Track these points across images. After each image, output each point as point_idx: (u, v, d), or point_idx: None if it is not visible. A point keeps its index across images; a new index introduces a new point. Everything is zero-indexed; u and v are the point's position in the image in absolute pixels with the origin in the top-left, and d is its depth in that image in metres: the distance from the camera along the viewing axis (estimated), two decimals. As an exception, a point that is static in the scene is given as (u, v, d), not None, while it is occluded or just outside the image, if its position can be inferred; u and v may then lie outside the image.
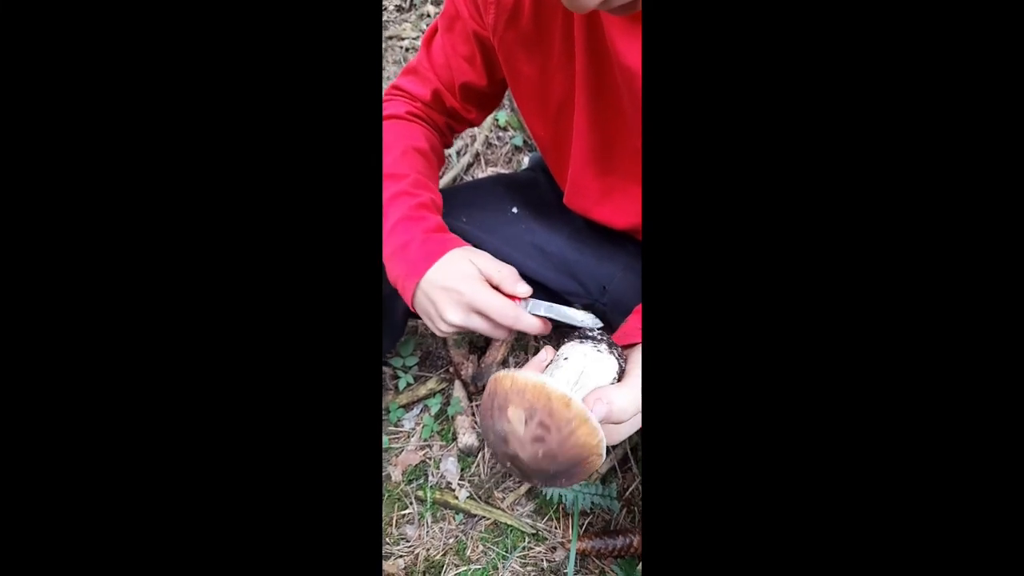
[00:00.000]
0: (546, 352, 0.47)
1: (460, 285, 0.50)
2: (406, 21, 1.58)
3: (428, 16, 1.59)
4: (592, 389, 0.37)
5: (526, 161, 1.22)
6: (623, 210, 0.63)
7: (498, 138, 1.28)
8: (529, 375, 0.35)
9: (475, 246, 0.57)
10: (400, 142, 0.61)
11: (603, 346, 0.42)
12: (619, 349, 0.43)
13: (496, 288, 0.51)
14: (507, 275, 0.52)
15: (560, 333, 0.54)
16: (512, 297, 0.51)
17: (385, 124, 0.64)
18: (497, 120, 1.27)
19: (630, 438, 0.83)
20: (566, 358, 0.41)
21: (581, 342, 0.42)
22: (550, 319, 0.51)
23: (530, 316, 0.50)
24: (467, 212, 0.70)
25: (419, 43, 1.52)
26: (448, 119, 0.68)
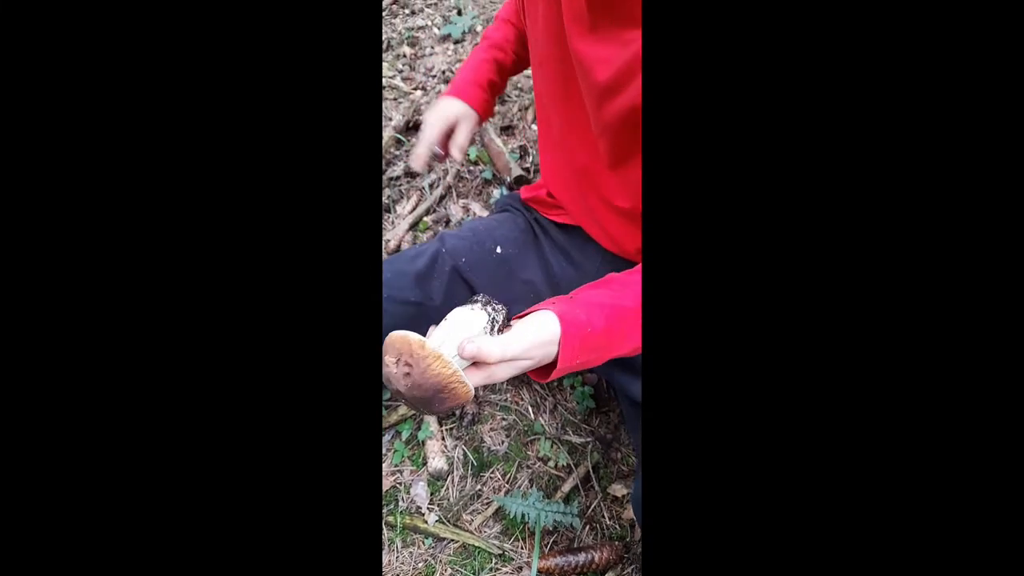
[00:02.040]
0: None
1: (436, 111, 0.78)
2: (383, 61, 1.66)
3: (404, 56, 1.67)
4: (463, 337, 0.46)
5: (495, 194, 1.28)
6: (577, 188, 0.69)
7: (469, 171, 1.34)
8: (398, 338, 0.45)
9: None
10: (497, 18, 0.86)
11: (477, 306, 0.49)
12: (495, 306, 0.50)
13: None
14: (456, 141, 0.77)
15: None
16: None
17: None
18: (468, 155, 1.33)
19: (591, 455, 0.86)
20: (447, 319, 0.49)
21: (471, 309, 0.49)
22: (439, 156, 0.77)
23: (419, 150, 0.76)
24: (464, 255, 0.76)
25: (394, 81, 1.59)
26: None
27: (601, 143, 0.59)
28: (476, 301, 0.50)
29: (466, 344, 0.45)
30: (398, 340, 0.45)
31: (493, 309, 0.49)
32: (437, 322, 0.56)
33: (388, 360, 0.46)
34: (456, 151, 0.76)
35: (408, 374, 0.44)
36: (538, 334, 0.46)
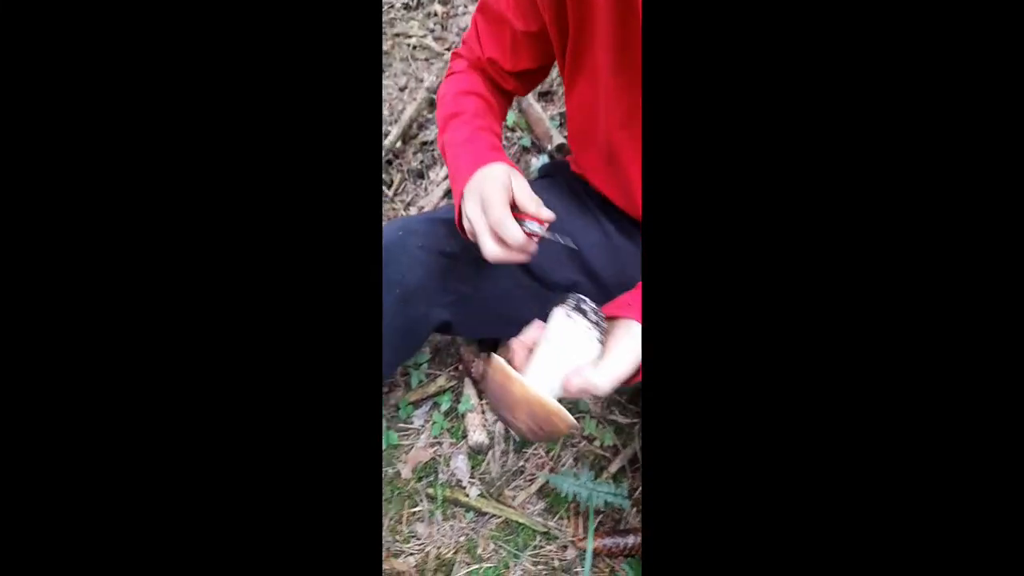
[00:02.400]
0: (536, 328, 0.48)
1: (486, 185, 0.53)
2: (413, 19, 1.58)
3: (435, 15, 1.59)
4: (573, 367, 0.45)
5: (533, 162, 1.22)
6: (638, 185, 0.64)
7: (507, 139, 1.28)
8: (517, 385, 0.43)
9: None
10: (455, 88, 0.67)
11: (577, 315, 0.46)
12: (590, 306, 0.46)
13: (513, 205, 0.53)
14: (527, 198, 0.52)
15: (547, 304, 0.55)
16: (526, 217, 0.52)
17: (445, 80, 0.71)
18: (505, 122, 1.27)
19: (638, 437, 0.84)
20: (549, 340, 0.46)
21: (568, 316, 0.46)
22: (535, 234, 0.52)
23: (515, 230, 0.50)
24: None
25: (426, 40, 1.52)
26: (497, 81, 0.71)
27: None
28: (574, 308, 0.46)
29: (573, 379, 0.44)
30: (523, 402, 0.43)
31: (595, 314, 0.46)
32: (469, 276, 0.53)
33: (508, 418, 0.45)
34: (542, 209, 0.54)
35: (503, 400, 0.44)
36: (636, 349, 0.45)
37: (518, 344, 0.49)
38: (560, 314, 0.46)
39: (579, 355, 0.45)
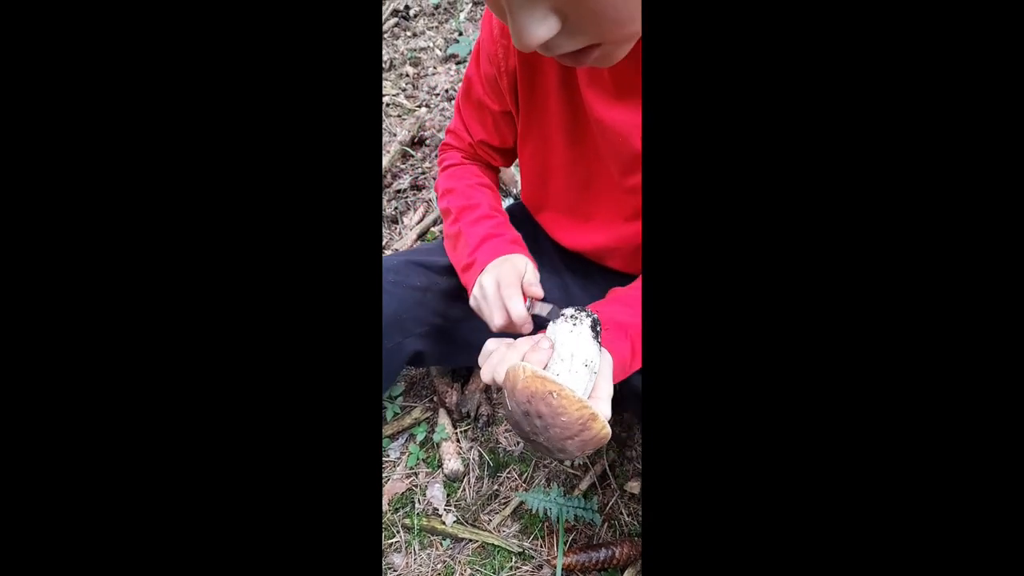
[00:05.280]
0: (545, 340, 0.51)
1: (504, 268, 0.62)
2: (386, 80, 1.71)
3: (407, 75, 1.72)
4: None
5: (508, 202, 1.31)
6: (601, 235, 0.71)
7: (475, 184, 1.37)
8: (560, 399, 0.43)
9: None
10: (465, 179, 0.75)
11: (579, 322, 0.48)
12: (584, 312, 0.49)
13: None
14: (530, 277, 0.61)
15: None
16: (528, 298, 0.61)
17: (446, 172, 0.77)
18: (473, 168, 1.36)
19: (607, 454, 0.87)
20: (563, 348, 0.47)
21: (571, 328, 0.48)
22: (538, 314, 0.60)
23: (520, 310, 0.58)
24: None
25: (398, 99, 1.63)
26: (489, 160, 0.79)
27: (630, 201, 0.63)
28: (569, 317, 0.48)
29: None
30: (533, 382, 0.42)
31: (590, 318, 0.48)
32: (439, 308, 0.56)
33: (513, 402, 0.44)
34: (534, 289, 0.62)
35: (540, 418, 0.43)
36: (610, 373, 0.49)
37: (526, 349, 0.49)
38: (564, 328, 0.48)
39: (590, 361, 0.46)
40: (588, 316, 0.48)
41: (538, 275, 0.62)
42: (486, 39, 0.67)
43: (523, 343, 0.50)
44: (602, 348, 0.49)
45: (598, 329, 0.48)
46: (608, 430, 0.44)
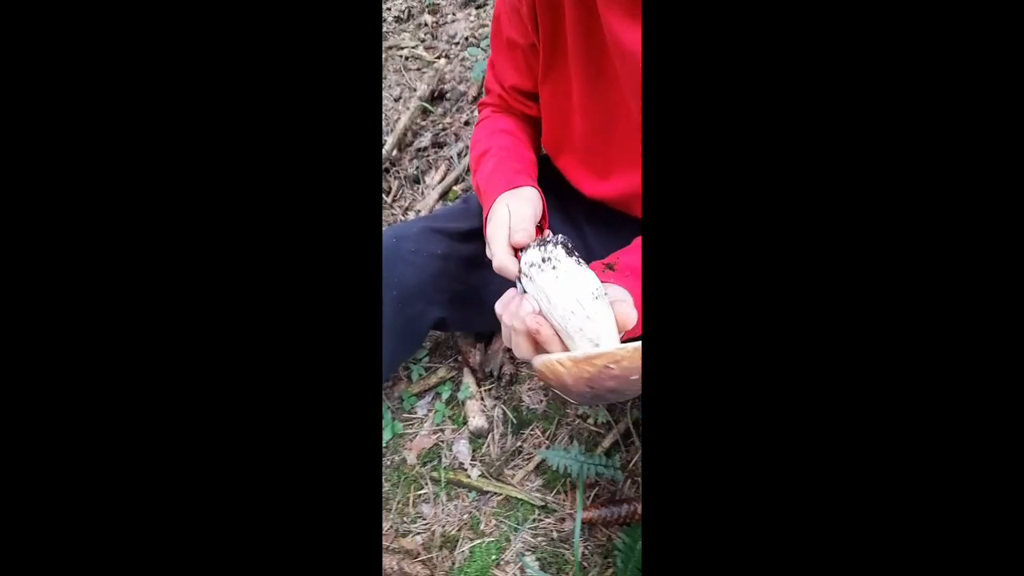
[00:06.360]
0: (515, 297, 0.49)
1: (493, 218, 0.58)
2: (404, 31, 1.65)
3: (425, 25, 1.65)
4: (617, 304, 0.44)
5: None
6: (622, 181, 0.68)
7: (496, 138, 1.33)
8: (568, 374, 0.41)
9: None
10: (484, 131, 0.74)
11: (572, 257, 0.44)
12: (560, 241, 0.46)
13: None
14: (516, 225, 0.56)
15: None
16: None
17: (475, 128, 0.77)
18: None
19: (631, 412, 0.87)
20: (566, 298, 0.44)
21: (552, 269, 0.44)
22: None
23: (509, 261, 0.54)
24: None
25: (417, 51, 1.58)
26: (522, 109, 0.76)
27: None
28: (541, 264, 0.45)
29: (626, 311, 0.44)
30: (580, 369, 0.40)
31: (558, 246, 0.45)
32: (460, 275, 0.55)
33: (576, 394, 0.42)
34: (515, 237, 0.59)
35: (614, 391, 0.41)
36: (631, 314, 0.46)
37: (523, 327, 0.47)
38: (549, 279, 0.44)
39: (595, 289, 0.43)
40: (555, 245, 0.44)
41: (530, 215, 0.57)
42: None
43: (516, 322, 0.47)
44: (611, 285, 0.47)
45: (570, 246, 0.45)
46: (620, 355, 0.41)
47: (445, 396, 0.95)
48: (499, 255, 0.53)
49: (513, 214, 0.56)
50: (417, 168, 1.33)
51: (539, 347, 0.46)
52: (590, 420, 0.88)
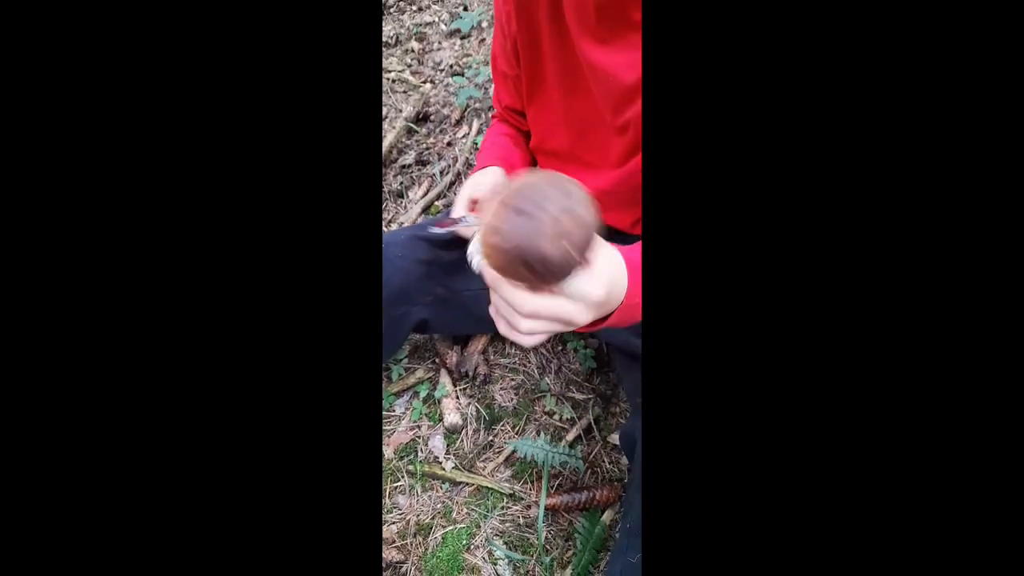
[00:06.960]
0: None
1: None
2: (392, 56, 1.74)
3: (412, 51, 1.75)
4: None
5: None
6: (600, 178, 0.76)
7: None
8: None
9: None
10: (489, 133, 0.91)
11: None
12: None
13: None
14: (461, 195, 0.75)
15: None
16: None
17: (486, 132, 0.94)
18: (475, 143, 1.41)
19: (593, 410, 0.95)
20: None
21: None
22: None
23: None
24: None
25: (404, 75, 1.67)
26: (516, 123, 0.90)
27: (618, 142, 0.68)
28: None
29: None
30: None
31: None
32: (442, 280, 0.64)
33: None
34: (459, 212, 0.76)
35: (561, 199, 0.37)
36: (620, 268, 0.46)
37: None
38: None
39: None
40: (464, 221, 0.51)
41: (470, 193, 0.75)
42: (497, 4, 0.75)
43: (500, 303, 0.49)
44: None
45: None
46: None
47: (423, 395, 1.02)
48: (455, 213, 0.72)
49: (465, 187, 0.75)
50: (401, 183, 1.41)
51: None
52: (556, 416, 0.96)
